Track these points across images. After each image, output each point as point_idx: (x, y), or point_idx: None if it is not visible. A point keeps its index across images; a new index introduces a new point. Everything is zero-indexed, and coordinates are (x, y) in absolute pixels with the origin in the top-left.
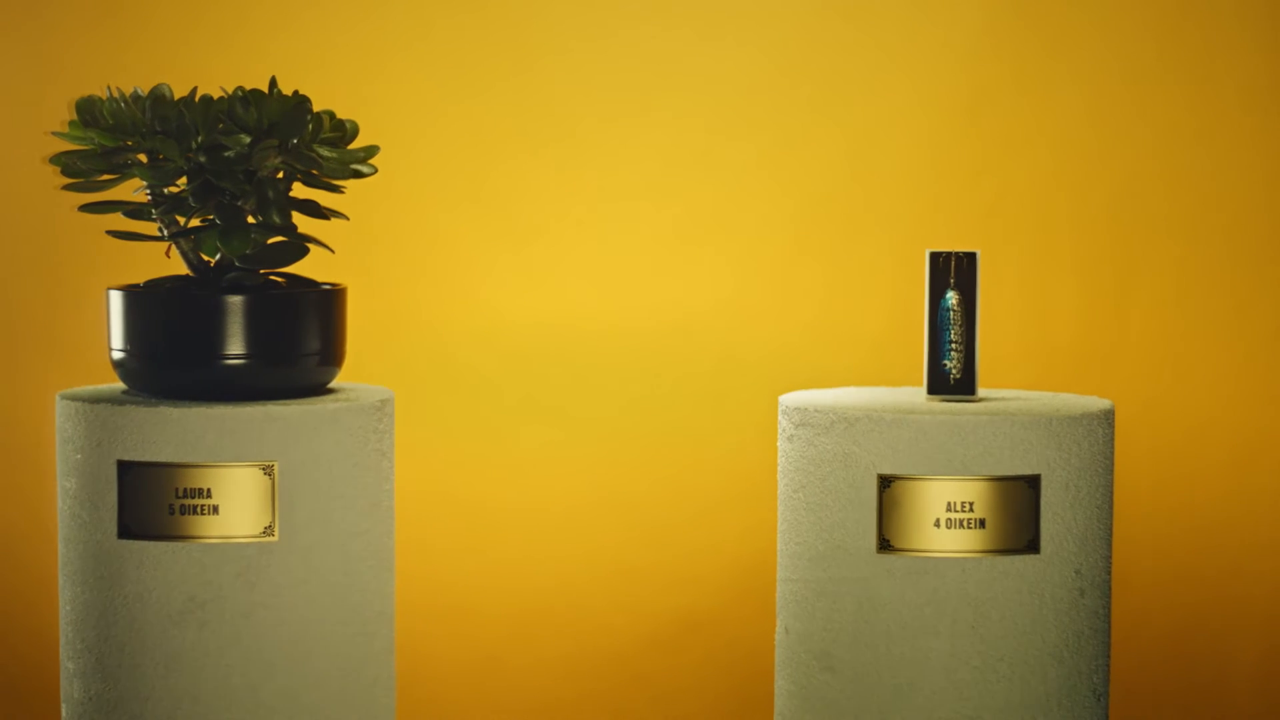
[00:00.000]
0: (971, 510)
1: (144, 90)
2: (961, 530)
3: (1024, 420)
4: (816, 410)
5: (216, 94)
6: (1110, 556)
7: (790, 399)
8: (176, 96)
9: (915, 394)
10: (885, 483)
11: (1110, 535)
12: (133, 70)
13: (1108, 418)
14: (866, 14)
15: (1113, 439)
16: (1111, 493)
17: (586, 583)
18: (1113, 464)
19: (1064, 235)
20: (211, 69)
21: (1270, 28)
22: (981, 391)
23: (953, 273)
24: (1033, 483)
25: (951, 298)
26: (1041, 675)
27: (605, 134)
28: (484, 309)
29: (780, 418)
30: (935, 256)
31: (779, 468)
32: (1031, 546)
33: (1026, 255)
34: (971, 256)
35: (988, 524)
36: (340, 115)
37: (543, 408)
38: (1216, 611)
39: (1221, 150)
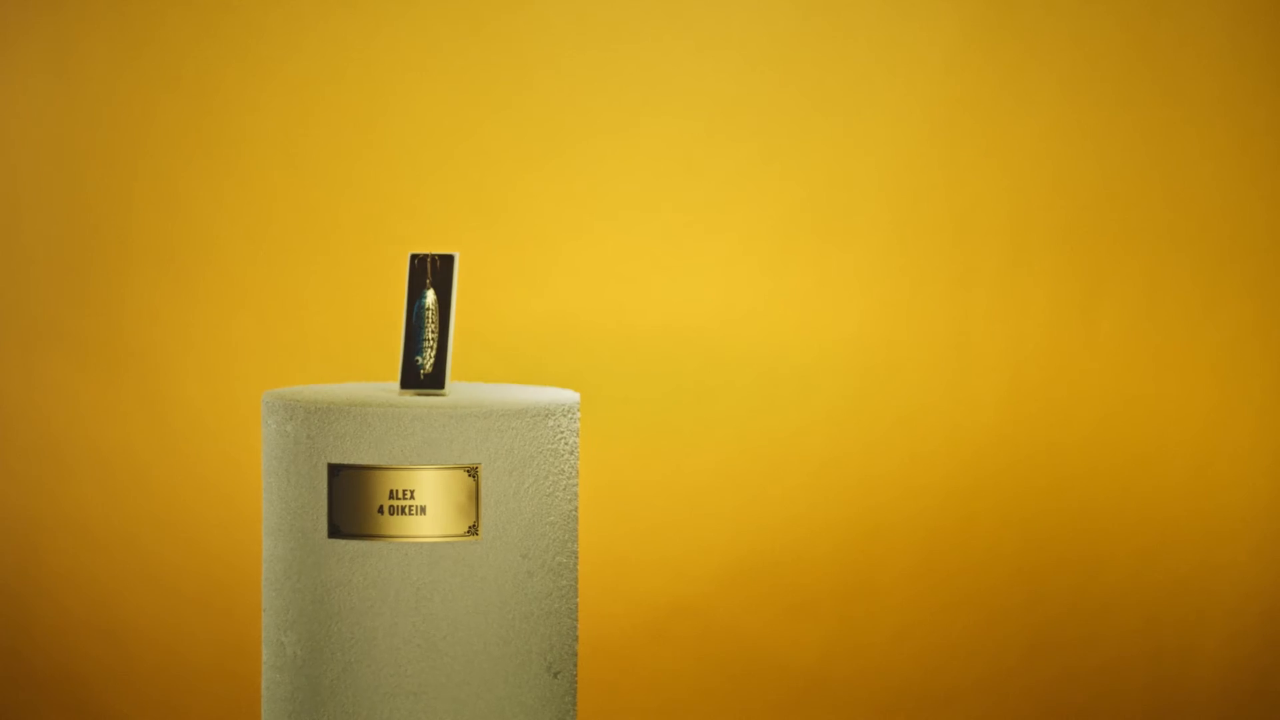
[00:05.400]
0: (412, 498)
1: None
2: (404, 516)
3: (463, 413)
4: (281, 404)
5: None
6: (572, 541)
7: (271, 393)
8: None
9: (392, 388)
10: (334, 471)
11: (574, 521)
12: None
13: (564, 409)
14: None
15: (576, 430)
16: (574, 480)
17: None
18: (576, 452)
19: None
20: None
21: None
22: (454, 385)
23: (430, 273)
24: (472, 472)
25: (428, 297)
26: (485, 654)
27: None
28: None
29: (262, 409)
30: (414, 258)
31: (262, 456)
32: (472, 531)
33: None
34: (449, 258)
35: (429, 511)
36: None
37: None
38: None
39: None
